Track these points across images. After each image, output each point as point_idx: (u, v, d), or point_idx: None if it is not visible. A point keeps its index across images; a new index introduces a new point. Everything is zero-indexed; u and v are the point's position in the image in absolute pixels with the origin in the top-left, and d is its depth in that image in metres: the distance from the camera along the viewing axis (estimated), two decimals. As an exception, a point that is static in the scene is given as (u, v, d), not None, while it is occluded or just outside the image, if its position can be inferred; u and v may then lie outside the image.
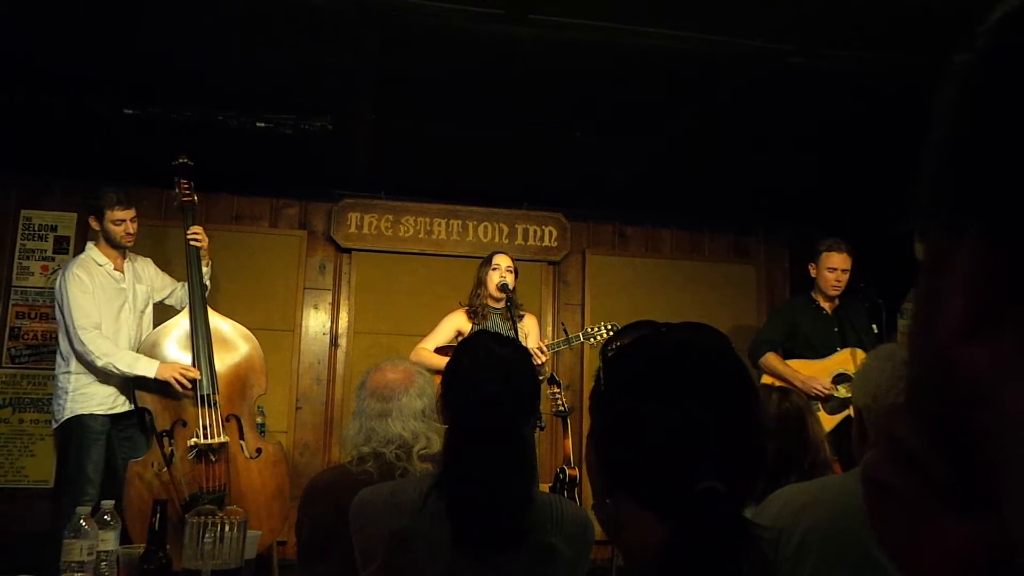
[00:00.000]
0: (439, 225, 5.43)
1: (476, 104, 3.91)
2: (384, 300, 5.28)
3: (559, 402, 4.07)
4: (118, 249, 3.94)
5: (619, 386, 0.91)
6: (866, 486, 0.45)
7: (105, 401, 3.79)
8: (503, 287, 4.12)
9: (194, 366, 3.74)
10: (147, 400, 3.74)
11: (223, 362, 3.87)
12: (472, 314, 4.23)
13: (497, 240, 5.41)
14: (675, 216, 5.74)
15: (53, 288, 4.85)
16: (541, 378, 3.92)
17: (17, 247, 4.95)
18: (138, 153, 4.60)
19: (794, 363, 4.38)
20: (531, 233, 5.52)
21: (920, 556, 0.42)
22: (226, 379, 3.84)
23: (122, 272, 3.96)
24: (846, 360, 4.30)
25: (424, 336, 4.29)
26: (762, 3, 2.90)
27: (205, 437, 3.63)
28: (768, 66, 3.35)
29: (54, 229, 5.01)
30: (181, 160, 4.01)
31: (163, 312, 4.14)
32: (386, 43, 3.28)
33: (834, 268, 4.38)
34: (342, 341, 5.26)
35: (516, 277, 4.27)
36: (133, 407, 3.84)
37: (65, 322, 3.76)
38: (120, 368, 3.67)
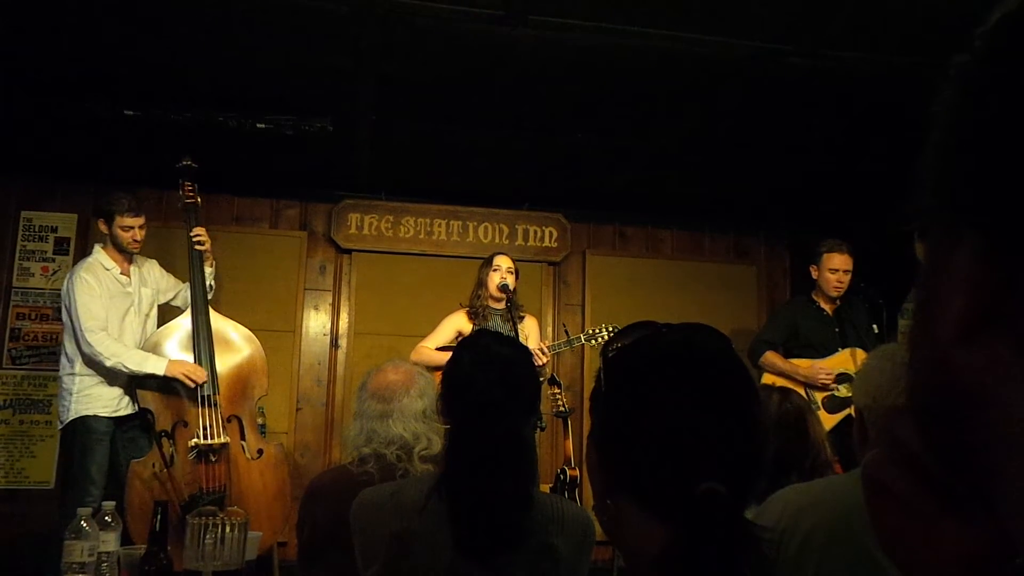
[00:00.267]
0: (439, 226, 5.43)
1: (476, 105, 3.91)
2: (384, 301, 5.28)
3: (560, 403, 4.07)
4: (124, 254, 3.97)
5: (620, 387, 0.91)
6: (866, 487, 0.45)
7: (109, 403, 3.81)
8: (503, 288, 4.12)
9: None
10: (149, 400, 3.76)
11: (225, 363, 3.88)
12: (472, 315, 4.23)
13: (497, 241, 5.41)
14: (675, 217, 5.74)
15: (51, 290, 4.90)
16: (541, 379, 3.93)
17: (17, 248, 4.95)
18: (138, 154, 4.61)
19: (794, 362, 4.39)
20: (531, 234, 5.52)
21: (920, 557, 0.42)
22: (227, 380, 3.85)
23: (128, 276, 3.98)
24: (847, 360, 4.30)
25: (424, 337, 4.29)
26: (761, 4, 2.90)
27: (206, 438, 3.64)
28: (768, 67, 3.35)
29: (55, 230, 5.01)
30: (185, 162, 4.03)
31: (169, 312, 4.15)
32: (386, 44, 3.28)
33: (836, 269, 4.37)
34: (342, 342, 5.26)
35: (517, 278, 4.27)
36: (137, 409, 3.85)
37: (72, 324, 3.78)
38: (130, 367, 3.69)
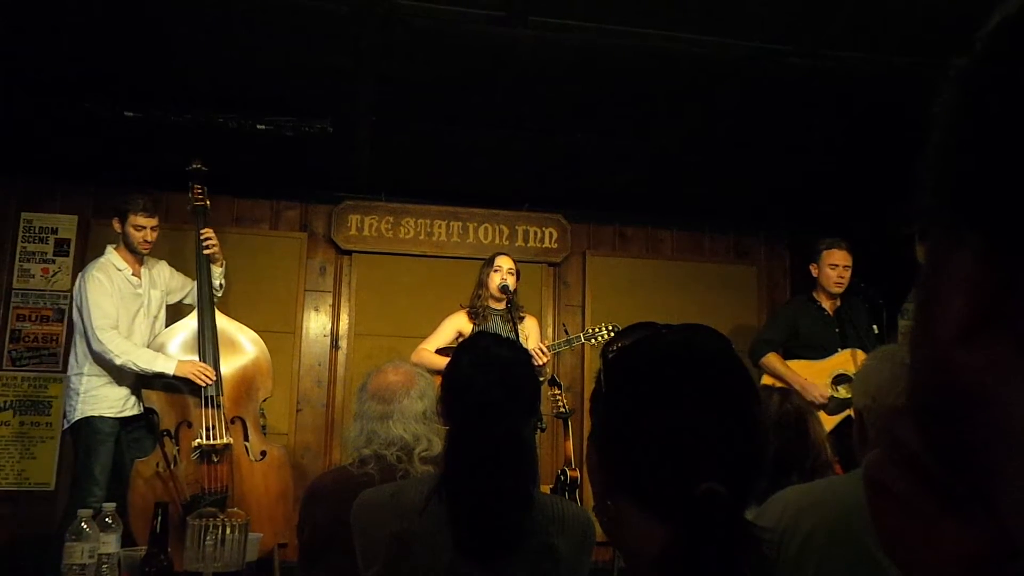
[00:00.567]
0: (439, 227, 5.43)
1: (476, 105, 3.91)
2: (385, 302, 5.28)
3: (560, 404, 4.07)
4: (136, 255, 4.00)
5: (620, 388, 0.91)
6: (867, 487, 0.45)
7: (115, 404, 3.84)
8: (504, 289, 4.12)
9: None
10: (153, 400, 3.79)
11: (230, 364, 3.90)
12: (473, 315, 4.23)
13: (497, 242, 5.41)
14: (675, 217, 5.74)
15: (52, 291, 4.90)
16: (542, 379, 3.94)
17: (18, 249, 4.95)
18: (139, 155, 4.61)
19: (795, 364, 4.38)
20: (531, 235, 5.52)
21: (920, 557, 0.42)
22: (232, 381, 3.87)
23: (139, 277, 4.02)
24: (846, 361, 4.30)
25: (425, 338, 4.29)
26: (761, 4, 2.90)
27: (209, 438, 3.67)
28: (768, 67, 3.35)
29: (55, 232, 5.00)
30: (195, 165, 4.09)
31: (179, 312, 4.18)
32: (386, 44, 3.28)
33: (836, 265, 4.38)
34: (343, 343, 5.26)
35: (518, 279, 4.27)
36: (142, 410, 3.88)
37: (84, 323, 3.81)
38: (140, 366, 3.72)
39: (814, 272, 4.48)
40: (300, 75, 3.62)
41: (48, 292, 4.93)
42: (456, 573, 1.51)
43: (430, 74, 3.58)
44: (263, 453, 3.83)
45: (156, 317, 4.10)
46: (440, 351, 4.16)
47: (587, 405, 1.04)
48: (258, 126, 4.10)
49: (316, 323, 5.27)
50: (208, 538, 1.85)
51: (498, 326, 4.13)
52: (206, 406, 3.72)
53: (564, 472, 4.00)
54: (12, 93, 3.84)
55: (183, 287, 4.25)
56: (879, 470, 0.44)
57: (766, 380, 4.29)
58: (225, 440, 3.70)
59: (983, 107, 0.37)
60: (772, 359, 4.39)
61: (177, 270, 4.30)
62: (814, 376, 4.30)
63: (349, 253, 5.34)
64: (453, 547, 1.51)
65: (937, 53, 2.90)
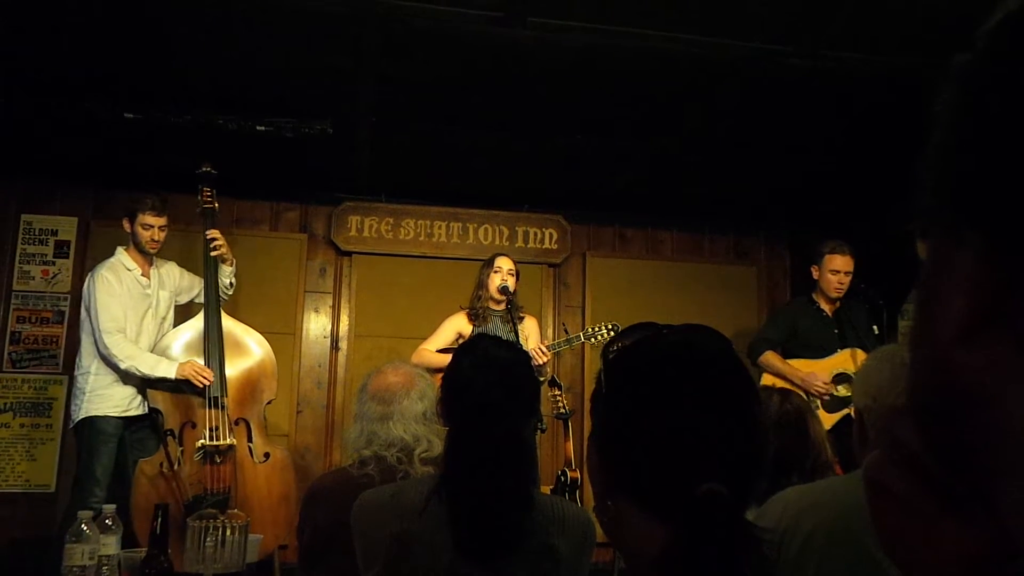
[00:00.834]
0: (439, 228, 5.43)
1: (476, 106, 3.91)
2: (385, 303, 5.28)
3: (560, 404, 4.07)
4: (144, 255, 4.01)
5: (620, 388, 0.91)
6: (867, 488, 0.45)
7: (120, 403, 3.85)
8: (503, 290, 4.12)
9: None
10: (158, 400, 3.81)
11: (235, 366, 3.91)
12: (473, 316, 4.23)
13: (497, 243, 5.41)
14: (675, 218, 5.74)
15: (52, 293, 4.90)
16: (542, 379, 3.94)
17: (18, 251, 4.95)
18: (139, 156, 4.61)
19: (794, 363, 4.39)
20: (531, 235, 5.52)
21: (920, 557, 0.42)
22: (237, 383, 3.88)
23: (148, 278, 4.03)
24: (846, 360, 4.30)
25: (425, 339, 4.29)
26: (761, 5, 2.90)
27: (212, 439, 3.68)
28: (768, 67, 3.35)
29: (55, 233, 5.00)
30: (205, 168, 4.13)
31: (187, 312, 4.19)
32: (386, 46, 3.28)
33: (837, 271, 4.38)
34: (343, 344, 5.26)
35: (518, 280, 4.27)
36: (147, 410, 3.90)
37: (92, 323, 3.82)
38: (143, 371, 3.75)
39: (815, 274, 4.48)
40: (300, 76, 3.62)
41: (48, 294, 4.93)
42: (456, 574, 1.50)
43: (430, 74, 3.58)
44: (267, 455, 3.83)
45: (164, 318, 4.11)
46: (441, 351, 4.16)
47: (587, 405, 1.04)
48: (258, 127, 4.10)
49: (316, 324, 5.27)
50: (208, 539, 1.85)
51: (498, 327, 4.13)
52: (210, 407, 3.73)
53: (564, 473, 4.00)
54: (12, 93, 3.84)
55: (192, 287, 4.25)
56: (879, 470, 0.44)
57: (766, 380, 4.29)
58: (229, 441, 3.71)
59: (983, 106, 0.37)
60: (771, 356, 4.40)
61: (187, 271, 4.30)
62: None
63: (349, 254, 5.34)
64: (453, 548, 1.51)
65: (937, 53, 2.90)
